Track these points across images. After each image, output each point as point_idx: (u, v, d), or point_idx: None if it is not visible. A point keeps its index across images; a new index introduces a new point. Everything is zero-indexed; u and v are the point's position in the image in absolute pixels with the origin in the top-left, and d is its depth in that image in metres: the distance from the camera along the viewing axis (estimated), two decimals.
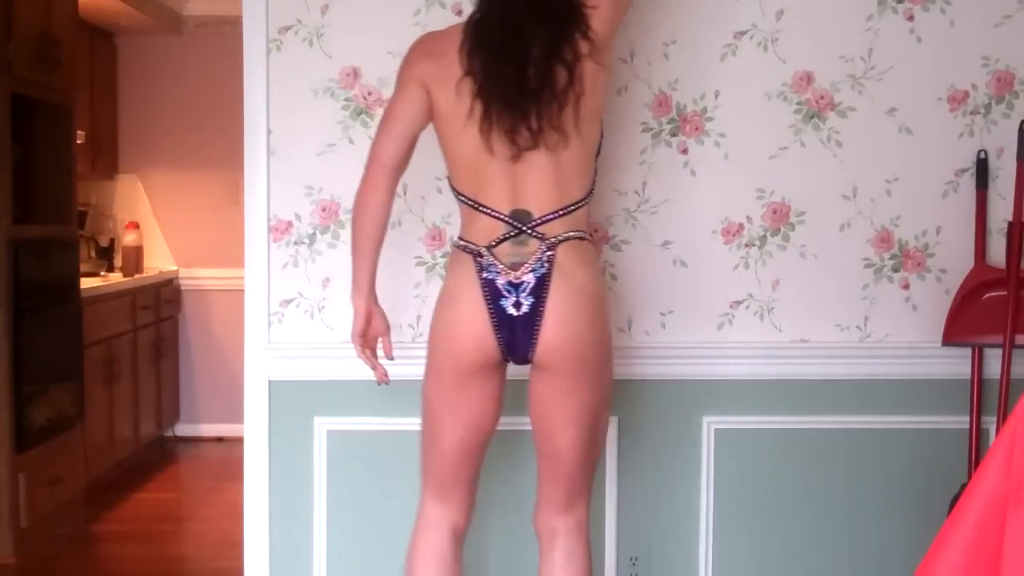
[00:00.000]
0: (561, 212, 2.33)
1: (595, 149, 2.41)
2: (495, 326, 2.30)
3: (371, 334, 2.48)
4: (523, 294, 2.29)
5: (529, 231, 2.32)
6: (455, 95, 2.33)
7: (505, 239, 2.32)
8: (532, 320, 2.29)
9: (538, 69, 2.28)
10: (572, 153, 2.34)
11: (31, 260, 4.44)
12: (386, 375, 2.51)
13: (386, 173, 2.38)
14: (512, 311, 2.29)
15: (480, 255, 2.32)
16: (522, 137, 2.28)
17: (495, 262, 2.31)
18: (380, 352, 2.52)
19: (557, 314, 2.29)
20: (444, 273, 2.79)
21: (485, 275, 2.31)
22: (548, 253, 2.30)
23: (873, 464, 2.92)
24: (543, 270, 2.29)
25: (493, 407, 2.40)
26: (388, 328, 2.50)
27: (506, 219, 2.32)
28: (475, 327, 2.31)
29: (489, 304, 2.30)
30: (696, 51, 2.83)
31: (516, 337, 2.30)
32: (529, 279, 2.29)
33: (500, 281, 2.30)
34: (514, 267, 2.30)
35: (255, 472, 2.87)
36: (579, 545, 2.47)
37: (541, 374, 2.35)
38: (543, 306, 2.29)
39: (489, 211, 2.33)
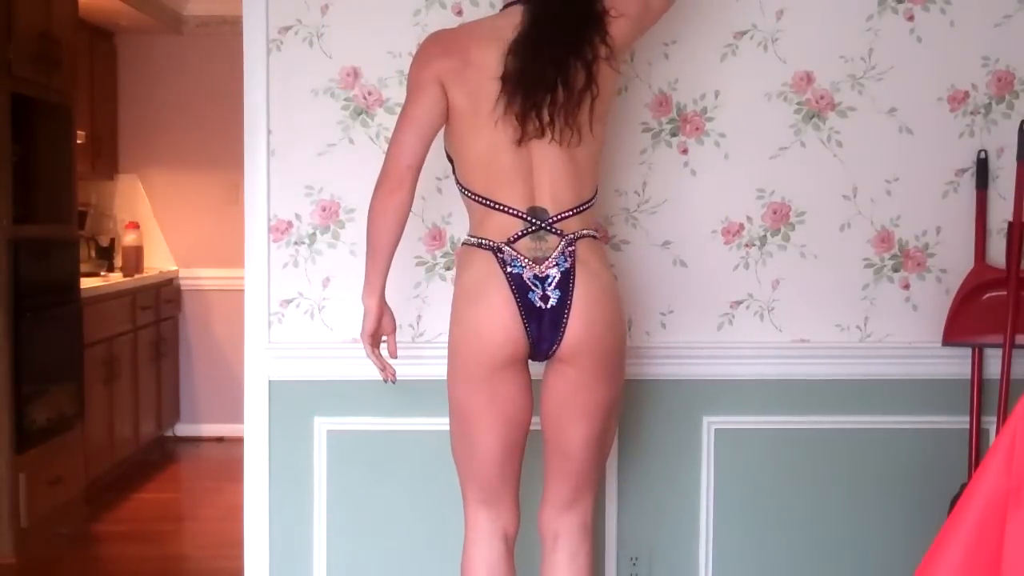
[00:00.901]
0: (577, 210, 2.35)
1: (602, 150, 2.44)
2: (524, 319, 2.29)
3: (379, 333, 2.50)
4: (549, 287, 2.29)
5: (548, 227, 2.33)
6: (473, 92, 2.34)
7: (523, 235, 2.32)
8: (559, 313, 2.29)
9: (556, 63, 2.30)
10: (586, 152, 2.37)
11: (31, 260, 4.44)
12: (394, 374, 2.53)
13: (412, 175, 2.38)
14: (540, 304, 2.29)
15: (500, 250, 2.32)
16: (532, 123, 2.30)
17: (519, 256, 2.31)
18: (385, 351, 2.53)
19: (584, 307, 2.30)
20: (444, 273, 2.80)
21: (510, 269, 2.30)
22: (570, 248, 2.31)
23: (873, 464, 2.92)
24: (567, 264, 2.30)
25: (525, 401, 2.38)
26: (395, 328, 2.52)
27: (524, 216, 2.33)
28: (505, 321, 2.29)
29: (517, 297, 2.29)
30: (696, 51, 2.83)
31: (543, 331, 2.30)
32: (554, 273, 2.30)
33: (527, 275, 2.30)
34: (537, 261, 2.31)
35: (255, 472, 2.87)
36: (583, 546, 2.47)
37: (562, 368, 2.34)
38: (570, 299, 2.29)
39: (505, 208, 2.33)
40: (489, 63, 2.33)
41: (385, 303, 2.47)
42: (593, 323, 2.30)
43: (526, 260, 2.30)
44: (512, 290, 2.29)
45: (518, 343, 2.31)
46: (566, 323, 2.29)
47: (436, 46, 2.41)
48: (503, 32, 2.35)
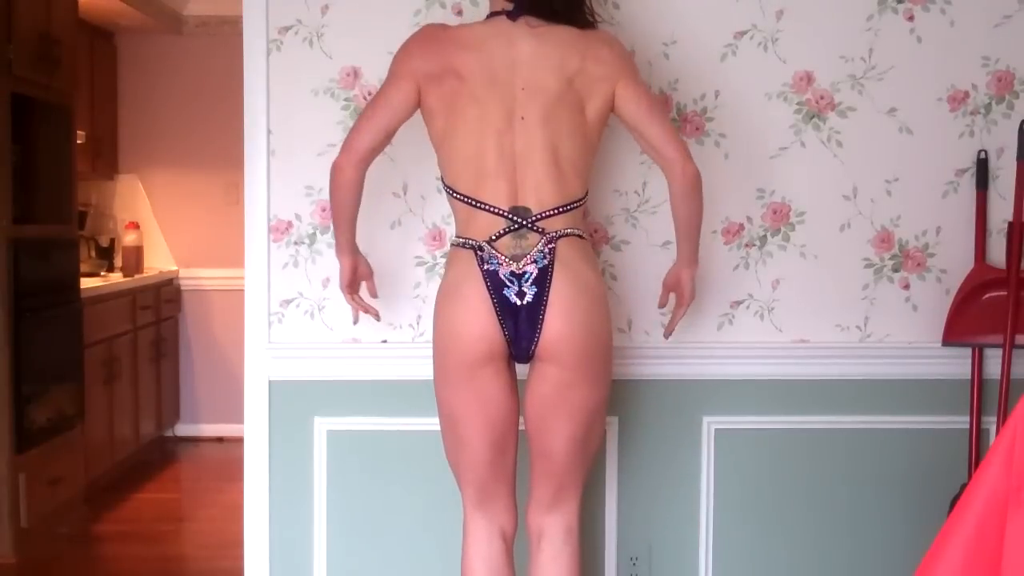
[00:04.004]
0: (561, 209, 2.35)
1: (595, 152, 2.44)
2: (499, 315, 2.29)
3: (356, 281, 2.59)
4: (526, 283, 2.30)
5: (530, 225, 2.33)
6: (455, 94, 2.35)
7: (505, 233, 2.33)
8: (536, 310, 2.29)
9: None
10: (572, 151, 2.36)
11: (31, 260, 4.44)
12: (377, 312, 2.62)
13: (355, 160, 2.41)
14: (515, 300, 2.29)
15: (480, 249, 2.32)
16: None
17: (496, 254, 2.31)
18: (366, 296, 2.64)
19: (561, 304, 2.29)
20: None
21: (487, 267, 2.31)
22: (549, 246, 2.31)
23: (873, 464, 2.92)
24: (545, 262, 2.30)
25: (509, 402, 2.37)
26: (371, 273, 2.61)
27: (506, 214, 2.33)
28: (480, 317, 2.30)
29: (492, 294, 2.30)
30: (696, 51, 2.83)
31: (520, 328, 2.30)
32: (531, 269, 2.30)
33: (503, 271, 2.30)
34: (515, 259, 2.31)
35: (255, 472, 2.87)
36: (567, 547, 2.46)
37: (542, 367, 2.34)
38: (546, 296, 2.29)
39: (488, 207, 2.34)
40: (471, 75, 2.35)
41: (358, 253, 2.56)
42: (571, 321, 2.30)
43: (503, 257, 2.31)
44: (487, 287, 2.30)
45: (493, 340, 2.31)
46: (543, 320, 2.29)
47: (424, 44, 2.42)
48: (487, 41, 2.38)
